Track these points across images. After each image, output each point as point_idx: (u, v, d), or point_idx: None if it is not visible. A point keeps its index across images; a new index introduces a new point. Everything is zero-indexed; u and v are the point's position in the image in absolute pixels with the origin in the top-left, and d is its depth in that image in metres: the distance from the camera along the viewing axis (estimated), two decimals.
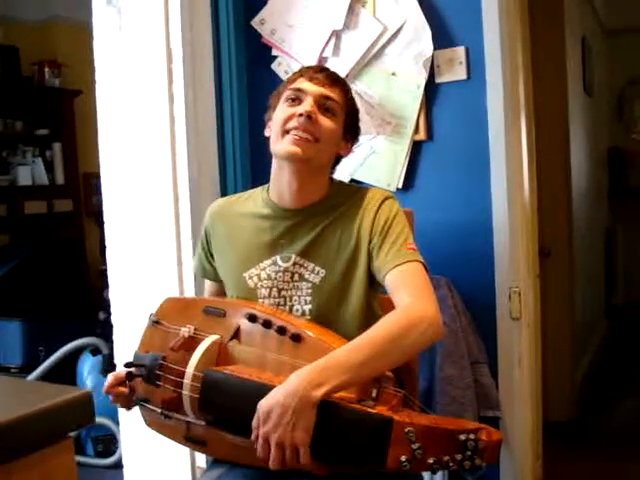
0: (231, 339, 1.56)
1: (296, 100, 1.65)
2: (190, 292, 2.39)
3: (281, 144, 1.64)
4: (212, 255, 1.82)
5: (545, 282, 2.75)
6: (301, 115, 1.61)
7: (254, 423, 1.35)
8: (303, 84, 1.66)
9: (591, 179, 4.80)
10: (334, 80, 1.70)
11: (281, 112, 1.67)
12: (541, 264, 2.68)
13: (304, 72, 1.71)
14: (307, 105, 1.63)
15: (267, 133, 1.73)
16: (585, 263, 4.41)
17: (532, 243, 2.42)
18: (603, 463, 3.11)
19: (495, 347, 2.24)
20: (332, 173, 1.78)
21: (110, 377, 1.70)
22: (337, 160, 1.77)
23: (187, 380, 1.52)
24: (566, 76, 3.72)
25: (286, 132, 1.64)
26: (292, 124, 1.62)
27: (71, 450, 0.95)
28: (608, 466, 3.07)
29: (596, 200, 5.10)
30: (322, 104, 1.65)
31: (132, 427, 2.53)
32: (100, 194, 2.66)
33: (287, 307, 1.66)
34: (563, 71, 3.69)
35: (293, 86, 1.68)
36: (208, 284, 1.89)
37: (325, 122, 1.64)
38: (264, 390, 1.37)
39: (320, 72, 1.70)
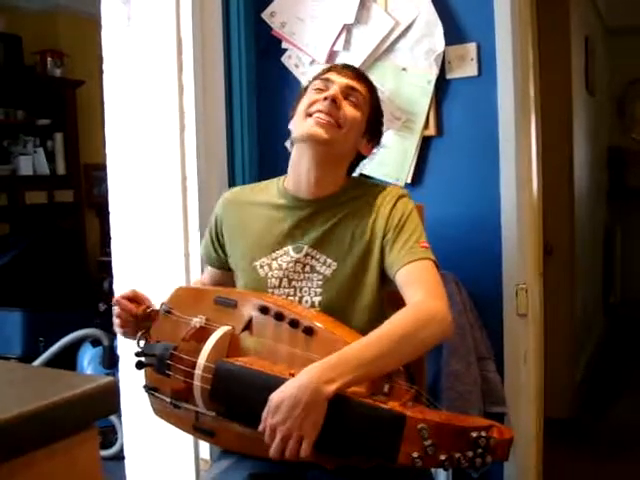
0: (243, 330, 1.56)
1: (323, 90, 1.69)
2: (198, 275, 2.38)
3: (303, 126, 1.67)
4: (220, 243, 1.83)
5: (546, 279, 2.75)
6: (326, 99, 1.64)
7: (264, 414, 1.36)
8: (332, 75, 1.71)
9: (591, 178, 4.81)
10: (361, 76, 1.76)
11: (306, 99, 1.71)
12: (543, 261, 2.68)
13: (332, 67, 1.78)
14: (333, 91, 1.67)
15: (291, 126, 1.75)
16: (585, 261, 4.42)
17: (538, 240, 2.43)
18: (602, 460, 3.13)
19: (501, 343, 2.24)
20: (352, 172, 1.80)
21: (130, 290, 1.72)
22: (358, 160, 1.80)
23: (198, 371, 1.52)
24: (571, 76, 3.73)
25: (309, 115, 1.67)
26: (316, 107, 1.66)
27: (95, 439, 0.95)
28: (607, 463, 3.09)
29: (596, 199, 5.11)
30: (347, 94, 1.69)
31: (135, 418, 2.53)
32: (101, 185, 2.67)
33: (297, 298, 1.66)
34: (568, 71, 3.70)
35: (322, 76, 1.73)
36: (209, 270, 1.92)
37: (349, 110, 1.67)
38: (276, 382, 1.38)
39: (348, 68, 1.77)
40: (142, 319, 1.68)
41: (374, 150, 1.83)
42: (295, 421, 1.31)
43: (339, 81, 1.69)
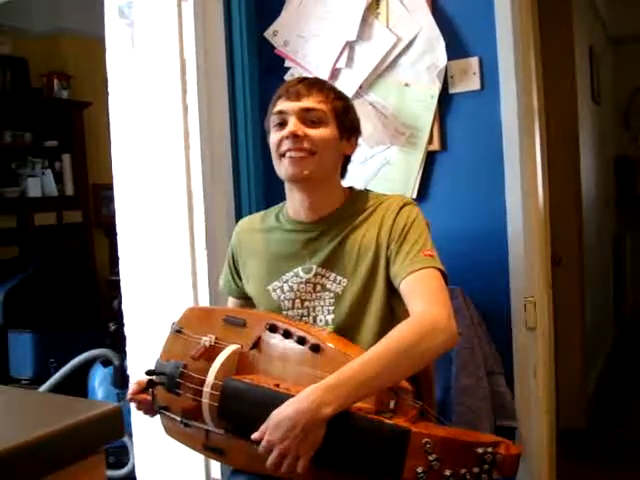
0: (251, 348, 1.57)
1: (283, 123, 1.67)
2: (204, 302, 2.40)
3: (281, 168, 1.68)
4: (237, 273, 1.85)
5: (556, 290, 2.74)
6: (288, 137, 1.63)
7: (262, 427, 1.37)
8: (282, 105, 1.68)
9: (599, 187, 4.80)
10: (312, 87, 1.69)
11: (272, 137, 1.69)
12: (552, 272, 2.68)
13: (282, 91, 1.71)
14: (291, 125, 1.64)
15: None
16: (595, 271, 4.40)
17: (546, 252, 2.42)
18: (615, 471, 3.10)
19: (511, 357, 2.23)
20: (344, 176, 1.79)
21: (133, 385, 1.72)
22: (346, 162, 1.78)
23: (207, 388, 1.53)
24: (576, 85, 3.73)
25: (282, 155, 1.66)
26: (284, 147, 1.65)
27: (102, 464, 0.96)
28: (620, 474, 3.06)
29: (604, 208, 5.09)
30: (306, 117, 1.65)
31: (146, 438, 2.53)
32: (109, 205, 2.68)
33: (310, 318, 1.68)
34: (573, 81, 3.70)
35: (275, 110, 1.69)
36: (231, 301, 1.93)
37: (314, 133, 1.65)
38: (283, 400, 1.38)
39: (297, 84, 1.70)
40: None
41: (359, 142, 1.81)
42: (293, 441, 1.32)
43: (291, 108, 1.65)
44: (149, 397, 1.69)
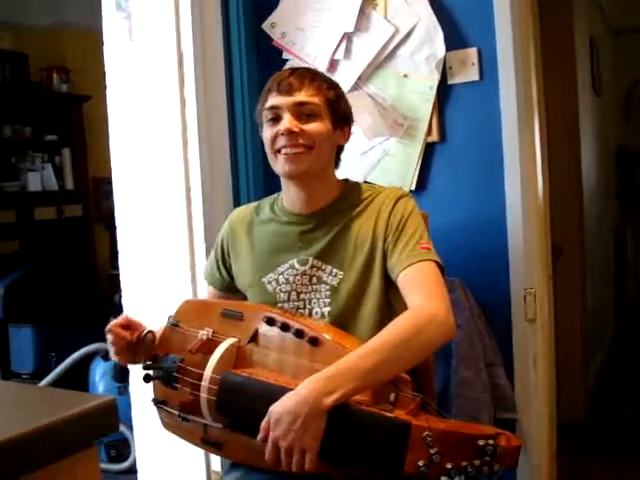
0: (249, 342, 1.57)
1: (276, 118, 1.64)
2: (203, 296, 2.38)
3: (277, 165, 1.67)
4: (225, 265, 1.83)
5: (557, 281, 2.73)
6: (283, 134, 1.61)
7: (263, 424, 1.37)
8: (275, 100, 1.64)
9: (599, 178, 4.79)
10: (303, 79, 1.66)
11: (266, 133, 1.67)
12: (553, 263, 2.67)
13: (272, 85, 1.67)
14: (286, 122, 1.61)
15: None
16: (596, 262, 4.39)
17: (546, 244, 2.41)
18: (616, 464, 3.09)
19: (510, 349, 2.22)
20: (337, 165, 1.78)
21: (122, 317, 1.69)
22: (339, 151, 1.76)
23: (205, 383, 1.53)
24: (576, 76, 3.72)
25: (277, 152, 1.64)
26: (280, 143, 1.63)
27: (95, 458, 0.96)
28: (621, 467, 3.06)
29: (605, 199, 5.08)
30: (300, 112, 1.63)
31: (146, 431, 2.53)
32: (110, 199, 2.68)
33: (306, 310, 1.67)
34: (573, 71, 3.69)
35: (267, 105, 1.66)
36: (210, 292, 1.92)
37: (311, 127, 1.63)
38: (282, 393, 1.38)
39: (288, 77, 1.66)
40: (137, 345, 1.67)
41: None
42: (296, 435, 1.32)
43: (284, 103, 1.62)
44: (128, 336, 1.64)
